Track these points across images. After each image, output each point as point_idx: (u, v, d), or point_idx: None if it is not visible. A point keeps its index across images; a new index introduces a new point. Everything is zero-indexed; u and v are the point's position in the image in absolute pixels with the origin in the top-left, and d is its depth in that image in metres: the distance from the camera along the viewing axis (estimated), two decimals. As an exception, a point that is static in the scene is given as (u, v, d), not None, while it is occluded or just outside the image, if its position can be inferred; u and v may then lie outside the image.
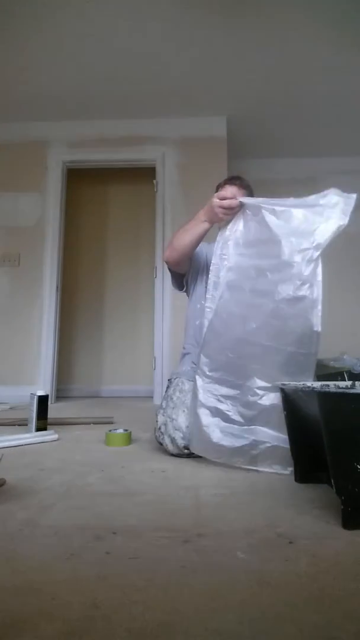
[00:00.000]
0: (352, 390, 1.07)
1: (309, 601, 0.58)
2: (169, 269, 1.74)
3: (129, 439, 1.60)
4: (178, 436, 1.37)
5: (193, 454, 1.37)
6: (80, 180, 3.77)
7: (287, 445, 1.15)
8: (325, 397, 0.88)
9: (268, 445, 1.21)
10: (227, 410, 1.28)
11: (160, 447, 1.46)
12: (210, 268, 1.46)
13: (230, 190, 1.63)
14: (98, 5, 2.35)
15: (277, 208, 1.33)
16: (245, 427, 1.25)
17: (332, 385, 1.13)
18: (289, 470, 1.16)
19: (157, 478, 1.17)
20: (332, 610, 0.56)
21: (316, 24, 2.46)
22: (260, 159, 3.92)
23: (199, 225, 1.53)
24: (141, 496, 1.01)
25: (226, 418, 1.27)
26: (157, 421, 1.48)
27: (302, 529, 0.82)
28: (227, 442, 1.24)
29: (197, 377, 1.36)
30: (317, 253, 1.19)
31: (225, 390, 1.30)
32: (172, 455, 1.39)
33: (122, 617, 0.54)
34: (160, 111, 3.34)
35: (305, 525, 0.84)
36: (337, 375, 2.10)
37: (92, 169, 3.64)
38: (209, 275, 1.45)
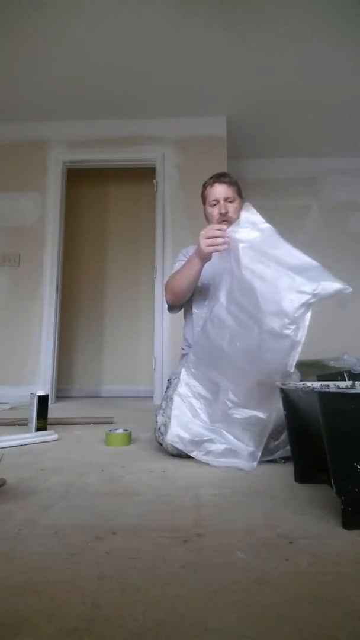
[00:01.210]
0: (352, 390, 1.07)
1: (309, 601, 0.58)
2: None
3: (129, 439, 1.60)
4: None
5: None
6: (80, 180, 3.77)
7: (244, 452, 1.25)
8: (325, 397, 0.88)
9: (225, 447, 1.30)
10: (199, 408, 1.38)
11: (160, 447, 1.46)
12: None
13: (219, 189, 1.64)
14: (98, 6, 2.35)
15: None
16: (210, 426, 1.34)
17: (332, 385, 1.13)
18: (248, 466, 1.23)
19: (157, 478, 1.17)
20: (332, 610, 0.56)
21: (316, 24, 2.46)
22: (259, 159, 3.92)
23: (193, 268, 1.53)
24: (141, 496, 1.01)
25: (195, 414, 1.37)
26: (157, 421, 1.47)
27: (302, 529, 0.82)
28: (188, 433, 1.32)
29: (182, 369, 1.46)
30: (313, 301, 1.15)
31: (202, 390, 1.40)
32: (172, 455, 1.39)
33: (122, 617, 0.54)
34: (160, 111, 3.34)
35: (305, 525, 0.84)
36: (337, 375, 2.10)
37: (92, 169, 3.64)
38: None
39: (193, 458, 1.36)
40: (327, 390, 1.04)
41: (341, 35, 2.54)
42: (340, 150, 3.85)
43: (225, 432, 1.31)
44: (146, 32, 2.53)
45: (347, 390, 1.08)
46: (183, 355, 1.69)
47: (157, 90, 3.10)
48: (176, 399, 1.40)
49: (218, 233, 1.39)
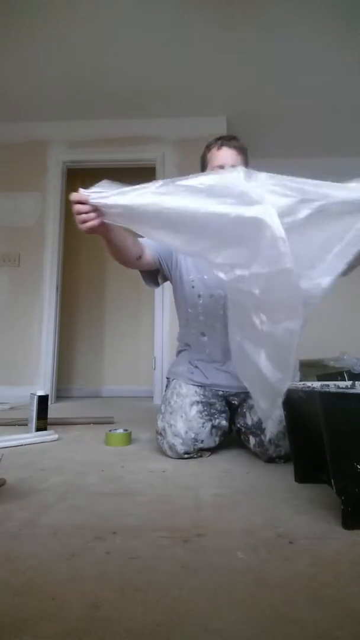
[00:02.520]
0: (352, 390, 1.07)
1: (309, 601, 0.58)
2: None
3: (129, 439, 1.60)
4: (177, 442, 1.36)
5: (193, 456, 1.37)
6: (81, 180, 3.76)
7: (273, 377, 1.05)
8: (325, 397, 0.88)
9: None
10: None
11: (160, 448, 1.46)
12: None
13: (227, 154, 1.45)
14: (98, 6, 2.35)
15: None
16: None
17: (332, 385, 1.13)
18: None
19: (157, 478, 1.17)
20: (332, 610, 0.56)
21: (315, 23, 2.46)
22: (259, 159, 3.91)
23: (101, 240, 1.26)
24: (141, 496, 1.01)
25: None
26: (157, 425, 1.47)
27: (302, 529, 0.82)
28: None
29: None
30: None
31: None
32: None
33: (122, 617, 0.54)
34: (160, 111, 3.34)
35: (305, 525, 0.84)
36: (337, 375, 2.10)
37: (92, 169, 3.64)
38: None
39: (193, 458, 1.36)
40: (327, 390, 1.04)
41: (340, 35, 2.54)
42: (341, 150, 3.84)
43: (244, 369, 1.17)
44: (146, 31, 2.53)
45: (347, 390, 1.08)
46: (179, 352, 1.64)
47: (157, 90, 3.10)
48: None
49: (77, 207, 1.07)
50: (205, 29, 2.50)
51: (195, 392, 1.46)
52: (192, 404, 1.43)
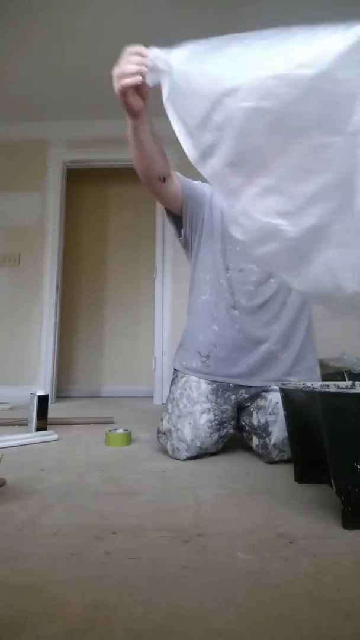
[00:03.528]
0: (352, 390, 1.07)
1: (309, 601, 0.58)
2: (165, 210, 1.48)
3: (129, 439, 1.59)
4: (182, 447, 1.34)
5: (193, 457, 1.36)
6: (80, 180, 3.77)
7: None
8: (325, 397, 0.88)
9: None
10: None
11: (161, 447, 1.46)
12: None
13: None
14: (98, 6, 2.35)
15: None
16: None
17: (332, 385, 1.13)
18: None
19: (157, 478, 1.17)
20: (332, 610, 0.56)
21: (314, 22, 2.46)
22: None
23: (129, 132, 1.18)
24: (141, 496, 1.01)
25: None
26: (161, 423, 1.44)
27: (302, 529, 0.82)
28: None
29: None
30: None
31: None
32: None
33: (122, 617, 0.54)
34: (160, 110, 3.30)
35: (305, 525, 0.84)
36: (337, 375, 2.10)
37: (92, 169, 3.64)
38: None
39: (193, 458, 1.36)
40: (327, 390, 1.04)
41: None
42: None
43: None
44: (146, 31, 2.53)
45: (347, 390, 1.08)
46: (186, 339, 1.52)
47: (156, 90, 3.10)
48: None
49: (132, 59, 0.95)
50: (205, 28, 2.50)
51: (207, 397, 1.38)
52: (202, 412, 1.36)
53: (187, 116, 0.88)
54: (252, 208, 0.82)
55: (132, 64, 0.95)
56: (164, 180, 1.33)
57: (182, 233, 1.48)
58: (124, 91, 1.00)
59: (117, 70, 0.97)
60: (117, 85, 0.99)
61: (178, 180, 1.41)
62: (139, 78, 0.95)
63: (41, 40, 2.62)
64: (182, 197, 1.42)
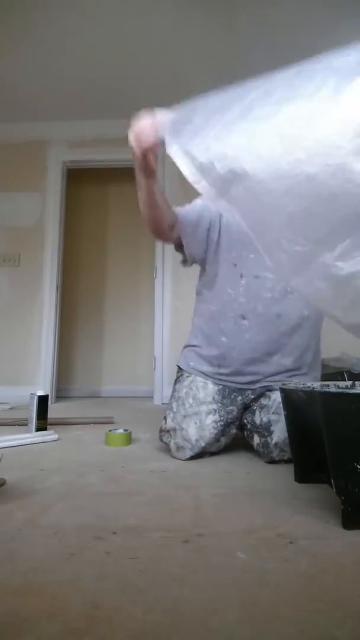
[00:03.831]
0: (352, 390, 1.07)
1: (309, 601, 0.58)
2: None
3: (129, 439, 1.59)
4: (187, 447, 1.34)
5: (194, 456, 1.36)
6: (80, 180, 3.77)
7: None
8: (325, 397, 0.88)
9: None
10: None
11: (161, 447, 1.46)
12: None
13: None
14: (98, 5, 2.35)
15: None
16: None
17: (332, 385, 1.13)
18: None
19: (157, 478, 1.17)
20: (332, 610, 0.56)
21: (316, 23, 2.46)
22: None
23: (139, 186, 1.24)
24: (141, 496, 1.01)
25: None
26: (164, 420, 1.43)
27: (302, 529, 0.82)
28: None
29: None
30: None
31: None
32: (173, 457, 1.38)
33: (122, 617, 0.54)
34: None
35: (305, 525, 0.84)
36: (337, 375, 2.10)
37: (92, 169, 3.64)
38: None
39: (193, 458, 1.36)
40: (327, 390, 1.04)
41: (342, 35, 2.54)
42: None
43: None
44: (146, 31, 2.53)
45: (347, 390, 1.08)
46: (190, 346, 1.51)
47: (156, 90, 3.09)
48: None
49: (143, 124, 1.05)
50: (205, 28, 2.50)
51: (214, 398, 1.38)
52: (208, 413, 1.36)
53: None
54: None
55: (147, 127, 1.05)
56: (172, 227, 1.40)
57: (189, 258, 1.50)
58: (145, 153, 1.08)
59: (134, 135, 1.06)
60: (138, 149, 1.08)
61: (179, 220, 1.42)
62: (157, 138, 1.03)
63: (41, 40, 2.62)
64: (186, 234, 1.44)
